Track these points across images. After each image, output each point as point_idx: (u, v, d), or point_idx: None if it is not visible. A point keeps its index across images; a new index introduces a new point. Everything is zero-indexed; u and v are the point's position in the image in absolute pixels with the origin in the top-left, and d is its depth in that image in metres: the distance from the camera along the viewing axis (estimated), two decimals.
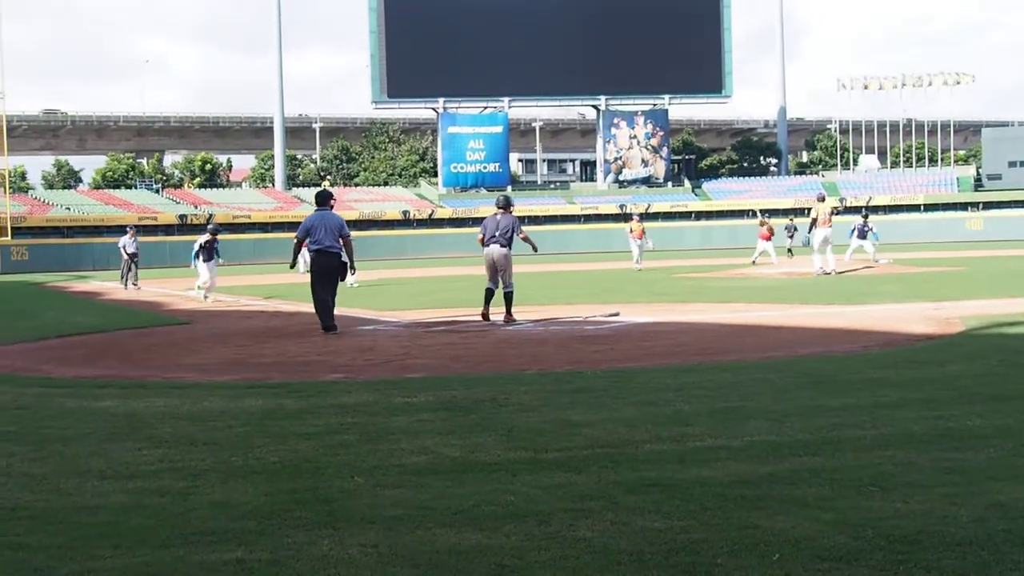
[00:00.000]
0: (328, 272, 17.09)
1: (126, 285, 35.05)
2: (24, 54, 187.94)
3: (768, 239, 39.89)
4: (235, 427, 8.20)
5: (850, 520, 5.16)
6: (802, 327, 15.65)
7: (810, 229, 31.32)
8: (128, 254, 35.68)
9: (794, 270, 33.23)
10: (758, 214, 42.63)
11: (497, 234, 17.96)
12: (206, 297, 26.54)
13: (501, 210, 18.20)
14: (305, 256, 22.53)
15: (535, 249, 18.97)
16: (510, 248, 17.96)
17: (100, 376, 12.11)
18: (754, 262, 39.18)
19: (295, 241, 18.10)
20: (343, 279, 17.40)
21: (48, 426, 8.51)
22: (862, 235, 38.18)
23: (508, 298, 17.81)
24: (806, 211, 58.37)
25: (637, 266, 38.34)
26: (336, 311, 17.06)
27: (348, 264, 17.16)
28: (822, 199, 31.73)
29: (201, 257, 27.05)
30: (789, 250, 44.15)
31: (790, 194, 79.56)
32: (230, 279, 31.19)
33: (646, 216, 42.21)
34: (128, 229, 37.81)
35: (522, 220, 18.32)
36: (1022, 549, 4.68)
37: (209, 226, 28.59)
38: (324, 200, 17.71)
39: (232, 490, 6.14)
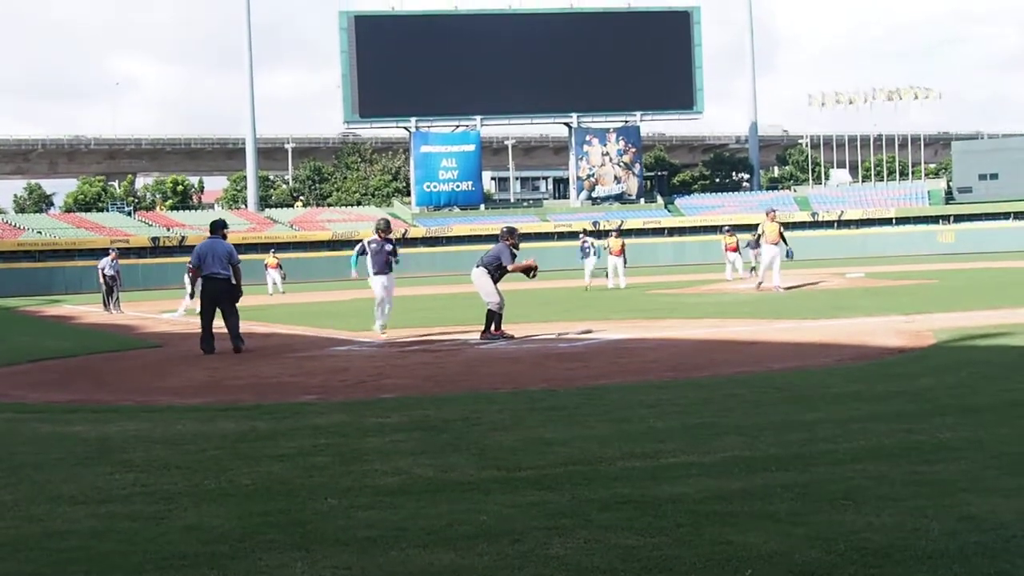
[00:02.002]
0: (215, 296, 17.87)
1: (109, 309, 33.85)
2: None
3: (735, 251, 40.29)
4: (208, 450, 8.16)
5: (822, 534, 5.18)
6: (775, 342, 15.70)
7: (756, 245, 31.21)
8: (106, 277, 34.50)
9: (768, 285, 33.27)
10: (727, 229, 42.66)
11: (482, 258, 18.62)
12: (383, 329, 19.49)
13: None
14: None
15: (527, 274, 18.88)
16: (487, 270, 18.18)
17: (72, 400, 12.04)
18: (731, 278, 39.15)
19: (190, 269, 18.98)
20: (235, 301, 17.93)
21: (19, 451, 8.45)
22: (584, 254, 38.80)
23: (487, 315, 17.93)
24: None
25: (611, 284, 37.76)
26: (310, 332, 17.05)
27: (238, 287, 17.90)
28: (772, 216, 31.34)
29: (373, 268, 19.54)
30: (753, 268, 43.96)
31: (762, 209, 79.37)
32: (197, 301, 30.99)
33: (621, 233, 41.98)
34: (110, 251, 36.93)
35: (494, 238, 18.50)
36: (993, 562, 4.70)
37: (379, 222, 20.67)
38: (215, 229, 18.43)
39: (205, 514, 6.10)
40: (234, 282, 17.83)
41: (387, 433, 8.64)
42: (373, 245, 19.56)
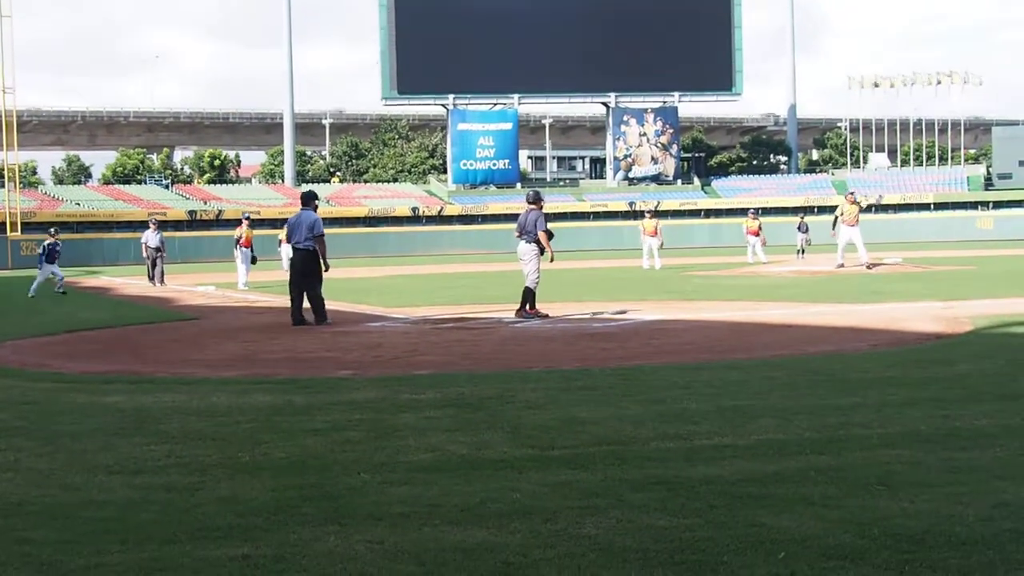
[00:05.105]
0: (300, 268, 17.95)
1: (154, 283, 33.33)
2: (34, 48, 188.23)
3: (756, 234, 40.41)
4: (243, 423, 8.21)
5: (856, 519, 5.16)
6: (811, 325, 15.63)
7: (834, 226, 31.26)
8: (150, 249, 34.06)
9: (805, 268, 33.18)
10: (752, 212, 42.83)
11: (522, 230, 18.16)
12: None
13: (530, 205, 18.28)
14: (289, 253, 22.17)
15: (546, 254, 18.15)
16: (535, 244, 17.91)
17: (108, 371, 12.14)
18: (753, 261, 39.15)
19: (280, 240, 18.85)
20: (317, 274, 17.87)
21: (56, 421, 8.53)
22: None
23: (524, 293, 17.78)
24: (815, 209, 59.21)
25: (646, 265, 37.53)
26: (345, 308, 17.10)
27: (322, 259, 17.85)
28: (851, 198, 31.61)
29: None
30: (800, 249, 43.64)
31: (800, 192, 79.39)
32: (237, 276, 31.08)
33: (655, 214, 41.66)
34: (151, 223, 36.44)
35: None
36: None
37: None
38: (306, 200, 18.52)
39: (239, 486, 6.15)
40: (315, 253, 17.79)
41: (421, 409, 8.67)
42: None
